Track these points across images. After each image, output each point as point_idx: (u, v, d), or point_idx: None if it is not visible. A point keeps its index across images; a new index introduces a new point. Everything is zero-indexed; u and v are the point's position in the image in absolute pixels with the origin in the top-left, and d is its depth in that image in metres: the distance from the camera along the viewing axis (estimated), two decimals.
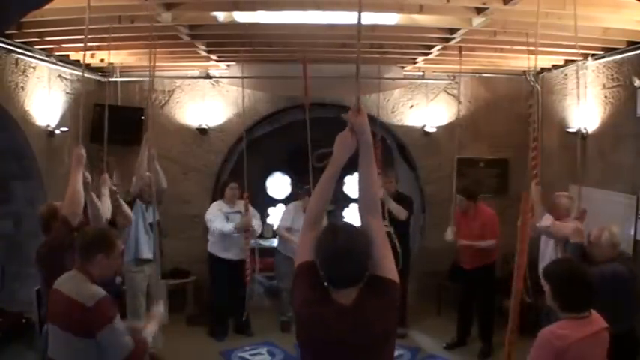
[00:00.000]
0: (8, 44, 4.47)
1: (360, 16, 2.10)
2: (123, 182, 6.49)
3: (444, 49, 5.16)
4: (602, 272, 3.29)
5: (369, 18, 4.38)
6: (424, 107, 6.73)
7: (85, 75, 4.34)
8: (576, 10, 3.37)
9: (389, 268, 1.95)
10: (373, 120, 6.53)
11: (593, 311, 2.54)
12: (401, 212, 5.44)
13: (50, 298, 2.68)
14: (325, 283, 1.89)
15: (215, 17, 4.45)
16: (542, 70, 6.30)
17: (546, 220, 4.34)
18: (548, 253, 4.39)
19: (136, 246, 4.94)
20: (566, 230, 3.88)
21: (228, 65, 6.41)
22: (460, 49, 5.16)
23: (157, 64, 4.96)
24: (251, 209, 5.61)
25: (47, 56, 5.12)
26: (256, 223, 5.70)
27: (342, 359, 1.90)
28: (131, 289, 5.00)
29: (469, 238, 5.25)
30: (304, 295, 1.94)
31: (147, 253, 4.93)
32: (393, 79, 6.50)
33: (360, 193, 2.08)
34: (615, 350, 2.63)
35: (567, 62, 5.79)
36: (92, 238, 2.71)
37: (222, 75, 6.60)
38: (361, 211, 2.07)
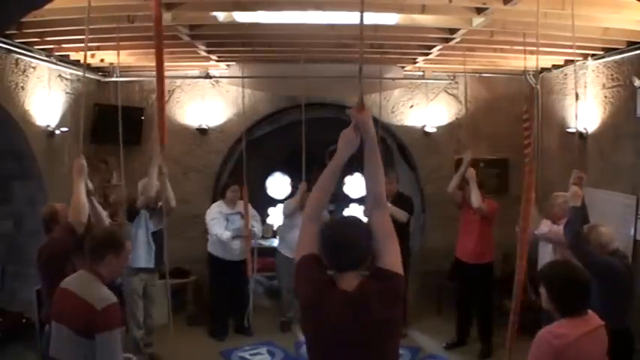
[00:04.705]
0: (8, 44, 4.47)
1: (362, 15, 2.18)
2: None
3: (444, 49, 5.16)
4: (595, 263, 3.30)
5: (369, 18, 4.37)
6: (424, 107, 6.73)
7: (85, 75, 4.34)
8: (576, 10, 3.38)
9: (392, 262, 2.02)
10: (374, 120, 6.52)
11: (590, 311, 2.54)
12: (401, 215, 5.35)
13: (57, 297, 2.67)
14: (329, 272, 2.00)
15: (215, 17, 4.45)
16: (542, 70, 6.30)
17: (544, 227, 4.35)
18: (547, 254, 4.39)
19: (133, 255, 4.75)
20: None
21: (228, 65, 6.41)
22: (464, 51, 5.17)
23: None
24: (251, 210, 5.57)
25: (47, 56, 5.11)
26: (256, 226, 5.68)
27: (344, 346, 1.95)
28: (126, 291, 4.92)
29: (468, 228, 5.28)
30: (309, 284, 2.01)
31: (144, 262, 4.91)
32: (393, 79, 6.51)
33: (367, 189, 2.16)
34: (610, 347, 2.62)
35: (567, 62, 5.80)
36: (102, 239, 2.73)
37: (222, 75, 6.61)
38: (367, 205, 2.15)
